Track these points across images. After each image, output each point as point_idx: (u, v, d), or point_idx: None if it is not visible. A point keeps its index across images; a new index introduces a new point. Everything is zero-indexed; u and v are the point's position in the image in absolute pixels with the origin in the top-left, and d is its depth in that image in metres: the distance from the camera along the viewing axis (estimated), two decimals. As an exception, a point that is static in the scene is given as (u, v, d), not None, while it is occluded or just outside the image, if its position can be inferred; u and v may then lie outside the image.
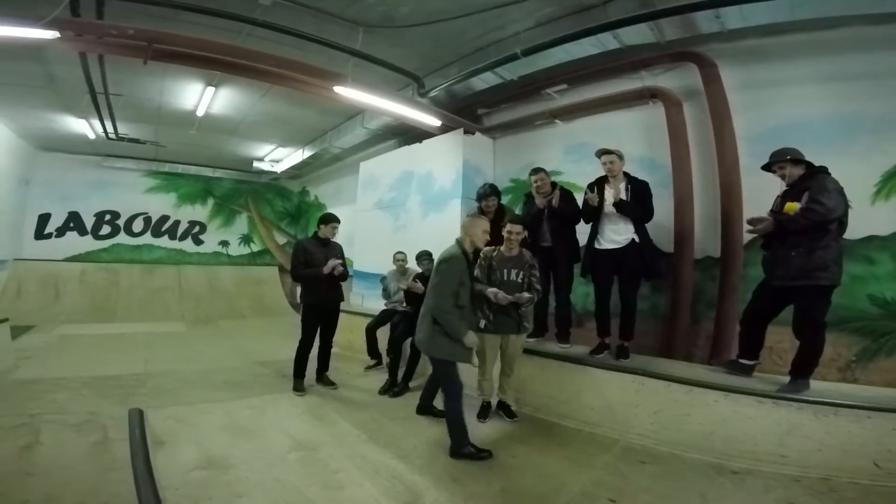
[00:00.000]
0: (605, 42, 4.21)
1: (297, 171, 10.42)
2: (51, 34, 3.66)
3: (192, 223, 10.70)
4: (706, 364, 3.77)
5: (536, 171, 4.33)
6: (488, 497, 2.51)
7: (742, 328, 3.41)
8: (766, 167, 3.20)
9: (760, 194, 3.50)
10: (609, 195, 3.79)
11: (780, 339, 3.58)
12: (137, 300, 9.18)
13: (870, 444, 2.64)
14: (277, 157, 9.80)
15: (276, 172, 10.25)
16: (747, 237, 3.79)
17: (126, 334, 7.24)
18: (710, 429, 3.02)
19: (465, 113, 6.04)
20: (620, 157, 3.81)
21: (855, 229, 3.40)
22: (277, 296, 10.58)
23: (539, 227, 4.24)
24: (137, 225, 10.13)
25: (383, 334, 5.19)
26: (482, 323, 3.57)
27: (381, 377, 4.81)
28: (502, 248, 3.65)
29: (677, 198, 4.31)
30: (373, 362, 5.42)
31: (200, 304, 9.58)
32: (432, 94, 5.31)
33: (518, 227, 3.63)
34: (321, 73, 4.80)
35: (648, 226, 3.81)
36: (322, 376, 4.63)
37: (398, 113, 5.48)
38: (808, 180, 2.95)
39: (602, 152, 3.86)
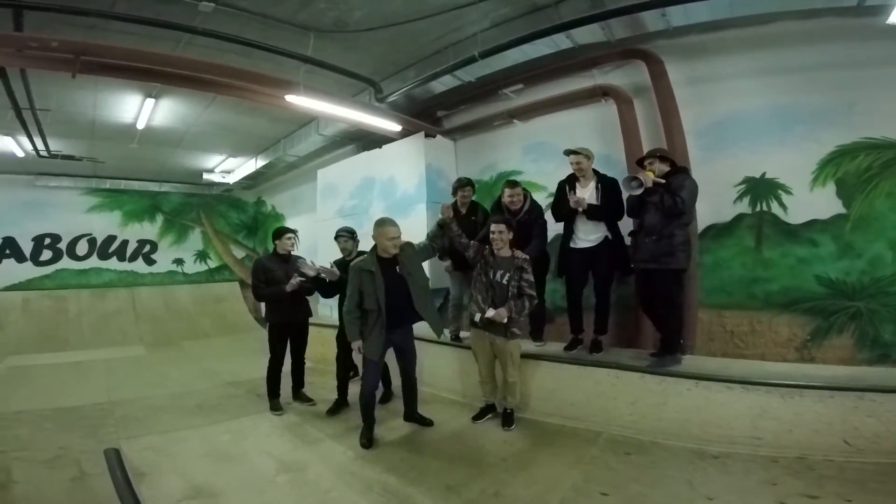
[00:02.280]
0: (559, 42, 4.27)
1: (250, 182, 10.04)
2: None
3: (142, 242, 10.07)
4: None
5: (513, 185, 4.02)
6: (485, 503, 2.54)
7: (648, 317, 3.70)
8: (639, 162, 3.62)
9: (708, 186, 3.71)
10: (580, 194, 3.79)
11: (739, 323, 3.82)
12: (90, 326, 8.62)
13: (836, 422, 2.76)
14: (229, 168, 9.39)
15: (228, 184, 9.84)
16: (702, 225, 4.04)
17: (82, 362, 6.81)
18: (686, 416, 3.14)
19: (424, 115, 6.00)
20: (588, 156, 3.82)
21: (797, 214, 3.68)
22: (241, 312, 10.19)
23: None
24: (82, 248, 9.41)
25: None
26: (477, 317, 3.53)
27: (358, 389, 4.72)
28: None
29: (634, 192, 4.45)
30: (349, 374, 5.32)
31: (159, 325, 9.12)
32: (391, 98, 5.24)
33: (501, 227, 3.50)
34: (270, 81, 4.65)
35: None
36: (298, 393, 4.53)
37: (356, 119, 5.38)
38: (672, 176, 3.32)
39: (569, 152, 3.85)
